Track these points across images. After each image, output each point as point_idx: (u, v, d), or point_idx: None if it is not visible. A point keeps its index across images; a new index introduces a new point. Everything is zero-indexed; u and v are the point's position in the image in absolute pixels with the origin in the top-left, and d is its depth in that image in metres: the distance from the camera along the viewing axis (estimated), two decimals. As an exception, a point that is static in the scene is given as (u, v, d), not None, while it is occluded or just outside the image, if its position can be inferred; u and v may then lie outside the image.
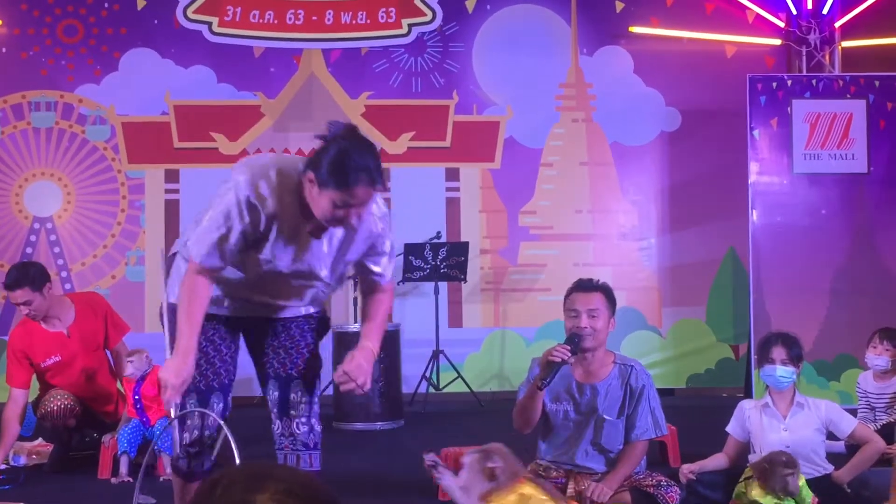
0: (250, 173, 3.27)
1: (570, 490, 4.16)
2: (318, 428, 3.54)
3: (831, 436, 4.70)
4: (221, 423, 3.39)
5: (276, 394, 3.52)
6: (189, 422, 3.46)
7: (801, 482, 4.17)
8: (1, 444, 5.30)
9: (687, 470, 4.46)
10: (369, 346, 3.45)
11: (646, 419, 4.20)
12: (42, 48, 8.02)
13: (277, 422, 3.52)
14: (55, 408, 5.41)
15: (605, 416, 4.18)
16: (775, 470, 4.12)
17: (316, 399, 3.55)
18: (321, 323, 3.70)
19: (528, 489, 3.32)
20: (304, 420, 3.50)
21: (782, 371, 4.52)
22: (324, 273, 3.43)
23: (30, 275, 5.44)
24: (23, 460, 5.59)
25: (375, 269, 3.52)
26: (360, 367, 3.37)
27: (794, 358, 4.56)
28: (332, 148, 3.18)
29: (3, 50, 8.01)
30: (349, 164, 3.15)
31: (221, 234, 3.27)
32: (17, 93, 7.99)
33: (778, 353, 4.55)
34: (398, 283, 7.93)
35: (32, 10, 8.03)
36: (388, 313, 3.66)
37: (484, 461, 3.33)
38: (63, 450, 5.61)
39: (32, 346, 5.50)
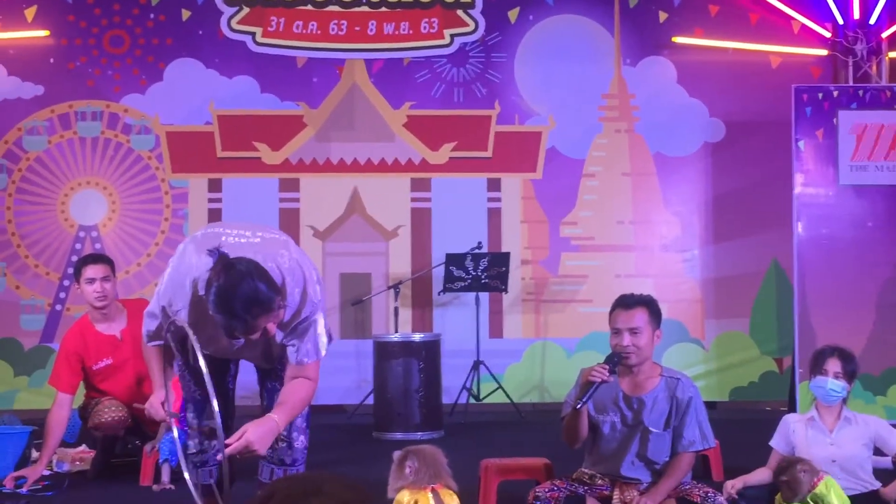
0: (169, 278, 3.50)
1: (616, 499, 4.14)
2: (297, 444, 3.66)
3: (877, 451, 4.64)
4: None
5: (266, 403, 3.74)
6: (191, 430, 3.85)
7: (835, 489, 4.11)
8: (45, 449, 5.33)
9: (730, 486, 4.41)
10: (275, 418, 3.40)
11: (693, 431, 4.15)
12: (89, 59, 8.12)
13: None
14: (108, 419, 5.39)
15: (651, 429, 4.14)
16: (796, 476, 4.09)
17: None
18: None
19: (424, 498, 3.52)
20: (283, 435, 3.60)
21: (833, 384, 4.46)
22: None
23: (108, 257, 5.76)
24: (66, 467, 5.63)
25: (289, 342, 3.50)
26: (261, 440, 3.34)
27: (848, 374, 4.49)
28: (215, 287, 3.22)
29: (52, 60, 8.12)
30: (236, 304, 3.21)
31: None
32: (64, 102, 8.09)
33: (833, 365, 4.49)
34: (439, 294, 7.94)
35: (80, 22, 8.13)
36: (305, 401, 3.54)
37: (403, 460, 3.58)
38: (105, 457, 5.63)
39: (86, 348, 5.50)
